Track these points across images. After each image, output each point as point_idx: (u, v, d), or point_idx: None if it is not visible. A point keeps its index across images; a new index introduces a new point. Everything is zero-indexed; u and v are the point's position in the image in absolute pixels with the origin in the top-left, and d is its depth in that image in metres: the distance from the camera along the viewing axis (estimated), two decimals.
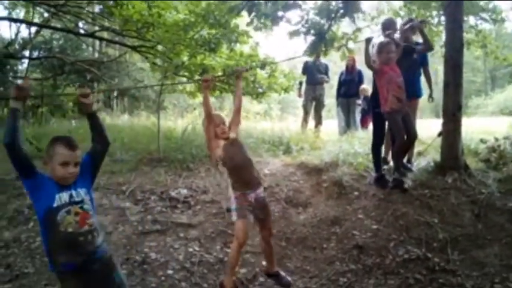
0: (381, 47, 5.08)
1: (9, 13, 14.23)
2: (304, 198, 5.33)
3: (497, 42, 8.72)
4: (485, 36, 8.03)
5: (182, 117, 12.52)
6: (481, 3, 7.87)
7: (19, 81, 14.59)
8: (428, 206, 4.88)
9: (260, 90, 9.45)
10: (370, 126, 8.80)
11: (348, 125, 9.08)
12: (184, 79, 9.13)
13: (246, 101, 12.38)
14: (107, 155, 6.38)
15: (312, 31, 5.96)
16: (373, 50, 5.21)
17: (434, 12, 7.89)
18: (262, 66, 8.62)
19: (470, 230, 4.49)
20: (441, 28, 7.56)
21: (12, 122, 2.40)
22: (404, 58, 5.28)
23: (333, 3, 5.93)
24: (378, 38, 5.42)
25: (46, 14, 13.01)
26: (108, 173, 5.91)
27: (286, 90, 9.58)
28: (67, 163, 2.47)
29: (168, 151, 6.68)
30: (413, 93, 5.64)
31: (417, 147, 5.99)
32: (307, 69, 9.41)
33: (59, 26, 12.80)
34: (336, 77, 10.24)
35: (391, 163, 5.70)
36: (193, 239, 4.55)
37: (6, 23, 16.16)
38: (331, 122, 11.32)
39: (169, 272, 3.99)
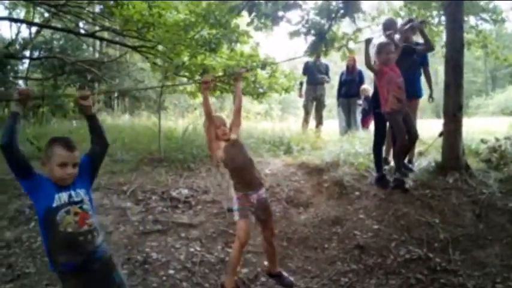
0: (380, 47, 5.10)
1: (10, 13, 14.23)
2: (305, 198, 5.33)
3: (498, 43, 8.71)
4: (486, 37, 8.03)
5: (183, 117, 12.52)
6: (482, 3, 7.87)
7: (20, 82, 14.63)
8: (430, 206, 4.88)
9: (261, 90, 9.46)
10: (371, 126, 8.82)
11: (348, 125, 9.08)
12: (185, 79, 9.13)
13: (246, 101, 12.39)
14: (108, 155, 6.41)
15: (312, 31, 5.96)
16: (373, 51, 5.22)
17: (435, 12, 7.88)
18: (263, 66, 8.62)
19: (472, 230, 4.49)
20: (441, 28, 7.56)
21: (12, 124, 2.41)
22: (405, 58, 5.28)
23: (333, 3, 5.93)
24: (379, 38, 5.43)
25: (46, 14, 13.02)
26: (109, 173, 5.91)
27: (286, 90, 9.58)
28: (65, 164, 2.47)
29: (168, 151, 6.68)
30: (414, 93, 5.64)
31: (418, 148, 5.99)
32: (307, 69, 9.41)
33: (59, 26, 12.81)
34: (336, 77, 10.25)
35: (392, 163, 5.71)
36: (194, 239, 4.56)
37: (6, 23, 16.18)
38: (332, 122, 11.32)
39: (171, 271, 3.99)
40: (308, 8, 5.97)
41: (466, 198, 4.95)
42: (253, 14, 5.98)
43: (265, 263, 4.09)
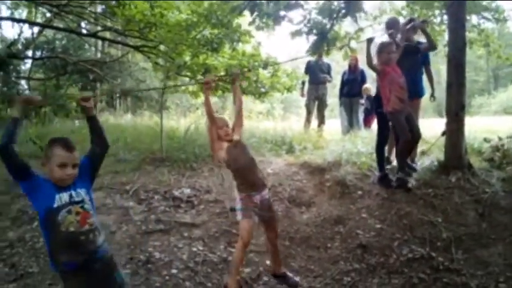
0: (382, 47, 5.10)
1: (12, 13, 14.24)
2: (307, 198, 5.34)
3: (500, 41, 8.69)
4: (488, 36, 8.02)
5: (185, 117, 12.52)
6: (484, 2, 7.86)
7: (23, 82, 14.64)
8: (432, 205, 4.87)
9: (263, 89, 9.45)
10: (373, 125, 8.83)
11: (350, 124, 9.07)
12: (187, 79, 9.13)
13: (248, 100, 12.38)
14: (111, 155, 6.45)
15: (314, 31, 5.96)
16: (374, 50, 5.22)
17: (437, 12, 7.87)
18: (265, 66, 8.62)
19: (474, 229, 4.49)
20: (444, 27, 7.55)
21: (12, 128, 2.44)
22: (407, 58, 5.28)
23: (335, 2, 5.92)
24: (381, 37, 5.42)
25: (48, 14, 13.02)
26: (112, 172, 5.93)
27: (288, 89, 9.57)
28: (65, 164, 2.49)
29: (171, 151, 6.69)
30: (416, 92, 5.64)
31: (420, 147, 5.99)
32: (309, 68, 9.41)
33: (61, 26, 12.81)
34: (338, 77, 10.24)
35: (394, 163, 5.71)
36: (197, 238, 4.56)
37: (9, 23, 16.22)
38: (334, 122, 11.31)
39: (174, 271, 3.99)
40: (310, 8, 5.97)
41: (469, 198, 4.94)
42: (255, 13, 5.97)
43: (268, 262, 4.10)
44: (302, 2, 5.92)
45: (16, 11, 14.44)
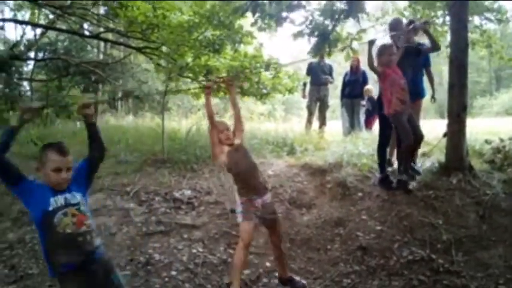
0: (382, 49, 5.10)
1: (15, 15, 14.31)
2: (308, 199, 5.33)
3: (502, 42, 8.66)
4: (490, 36, 7.99)
5: (186, 118, 12.54)
6: (486, 3, 7.84)
7: (25, 83, 14.66)
8: (433, 207, 4.86)
9: (264, 91, 9.44)
10: (375, 127, 8.81)
11: (352, 125, 9.06)
12: (189, 80, 9.14)
13: (250, 101, 12.39)
14: (112, 156, 6.46)
15: (316, 32, 5.95)
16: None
17: (440, 13, 7.86)
18: (267, 67, 8.62)
19: (475, 231, 4.48)
20: (446, 28, 7.54)
21: (5, 137, 2.47)
22: (407, 59, 5.28)
23: (337, 3, 5.92)
24: (384, 38, 5.42)
25: (51, 16, 13.05)
26: (113, 174, 5.93)
27: (290, 91, 9.57)
28: (59, 169, 2.52)
29: (172, 152, 6.69)
30: (417, 94, 5.64)
31: (422, 148, 5.96)
32: (311, 70, 9.40)
33: (64, 27, 12.82)
34: (340, 78, 10.23)
35: (396, 165, 5.70)
36: (197, 240, 4.56)
37: (11, 24, 16.23)
38: (336, 123, 11.30)
39: (173, 273, 4.00)
40: (312, 9, 5.97)
41: (470, 199, 4.93)
42: (257, 14, 5.98)
43: (267, 264, 4.11)
44: (304, 2, 5.93)
45: (19, 13, 14.50)
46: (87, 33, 13.94)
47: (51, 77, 14.95)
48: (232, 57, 8.75)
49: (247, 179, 3.58)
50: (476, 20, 7.99)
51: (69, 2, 10.53)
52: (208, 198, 5.36)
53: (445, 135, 5.60)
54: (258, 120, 12.88)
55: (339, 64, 18.52)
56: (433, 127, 7.09)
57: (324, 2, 5.98)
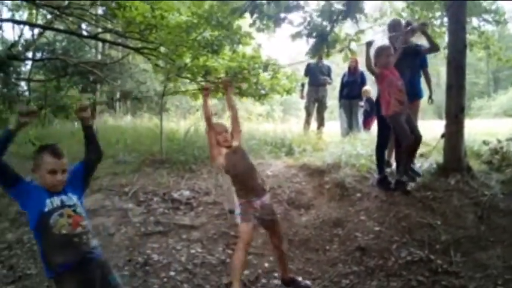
0: (380, 51, 5.12)
1: (13, 15, 14.28)
2: (306, 200, 5.33)
3: (500, 44, 8.70)
4: (488, 38, 8.02)
5: (185, 119, 12.53)
6: (484, 3, 7.86)
7: (23, 84, 14.64)
8: (431, 207, 4.86)
9: (262, 91, 9.42)
10: (373, 127, 8.82)
11: (350, 126, 9.06)
12: (187, 80, 9.12)
13: (248, 102, 12.37)
14: (110, 156, 6.44)
15: (314, 33, 5.96)
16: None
17: (438, 14, 7.88)
18: (265, 68, 8.61)
19: (473, 232, 4.48)
20: (444, 29, 7.55)
21: (3, 140, 2.47)
22: (405, 60, 5.29)
23: (335, 4, 5.93)
24: (383, 39, 5.43)
25: (49, 16, 13.04)
26: (111, 174, 5.93)
27: (288, 91, 9.55)
28: (55, 171, 2.53)
29: (170, 152, 6.69)
30: (414, 94, 5.65)
31: (420, 149, 5.96)
32: (309, 70, 9.41)
33: (62, 27, 12.81)
34: (338, 79, 10.23)
35: (394, 166, 5.71)
36: (195, 240, 4.56)
37: (9, 24, 16.19)
38: (334, 124, 11.30)
39: (172, 273, 4.00)
40: (310, 10, 5.97)
41: (468, 200, 4.93)
42: (255, 15, 5.98)
43: (266, 264, 4.11)
44: (302, 3, 5.93)
45: (17, 13, 14.48)
46: (85, 33, 13.94)
47: (49, 77, 14.94)
48: (230, 58, 8.73)
49: (246, 181, 3.58)
50: (474, 21, 8.02)
51: (67, 2, 10.51)
52: (207, 199, 5.36)
53: (443, 136, 5.61)
54: (256, 120, 12.86)
55: (337, 65, 18.52)
56: (431, 128, 7.10)
57: (322, 2, 5.98)
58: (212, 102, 11.17)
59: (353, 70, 9.20)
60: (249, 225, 3.47)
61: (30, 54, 15.00)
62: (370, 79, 9.10)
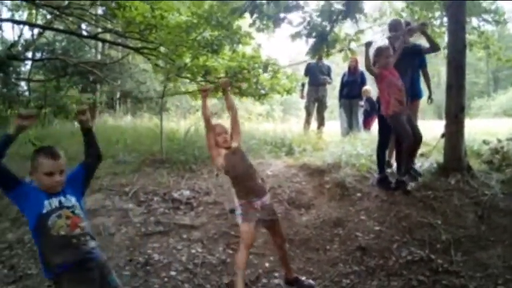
0: (379, 51, 5.13)
1: (12, 15, 14.25)
2: (306, 200, 5.33)
3: (500, 44, 8.70)
4: (488, 38, 8.02)
5: (185, 119, 12.54)
6: (484, 3, 7.87)
7: (23, 84, 14.64)
8: (432, 207, 4.87)
9: (262, 91, 9.44)
10: (373, 127, 8.83)
11: (350, 126, 9.07)
12: (187, 80, 9.13)
13: (248, 102, 12.37)
14: (110, 156, 6.44)
15: (314, 33, 5.96)
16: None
17: (437, 14, 7.88)
18: (265, 68, 8.61)
19: (474, 232, 4.49)
20: (444, 30, 7.56)
21: (2, 144, 2.47)
22: (404, 60, 5.29)
23: (335, 4, 5.93)
24: (382, 39, 5.44)
25: (49, 16, 13.02)
26: (111, 174, 5.93)
27: (288, 91, 9.56)
28: (52, 173, 2.53)
29: (170, 152, 6.69)
30: (414, 94, 5.66)
31: (420, 149, 5.97)
32: (309, 70, 9.41)
33: (61, 27, 12.81)
34: (338, 78, 10.24)
35: (395, 166, 5.71)
36: (196, 240, 4.56)
37: (9, 24, 16.19)
38: (334, 123, 11.31)
39: (172, 273, 4.00)
40: (310, 10, 5.98)
41: (468, 200, 4.94)
42: (255, 15, 5.98)
43: (267, 264, 4.11)
44: (302, 3, 5.93)
45: (17, 13, 14.46)
46: (85, 33, 13.94)
47: (49, 77, 14.92)
48: (230, 58, 8.74)
49: (245, 182, 3.59)
50: (474, 21, 8.03)
51: (66, 2, 10.50)
52: (207, 199, 5.36)
53: (443, 136, 5.62)
54: (256, 120, 12.87)
55: (337, 65, 18.55)
56: (431, 128, 7.11)
57: (322, 2, 5.98)
58: (212, 102, 11.19)
59: (353, 70, 9.20)
60: (250, 225, 3.47)
61: (30, 54, 14.99)
62: (370, 79, 9.10)
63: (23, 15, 14.74)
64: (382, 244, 4.40)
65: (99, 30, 11.99)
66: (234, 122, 3.81)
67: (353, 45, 6.26)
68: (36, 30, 14.43)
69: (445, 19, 7.07)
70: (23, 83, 14.85)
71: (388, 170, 5.69)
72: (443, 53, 6.51)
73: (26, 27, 14.34)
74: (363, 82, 9.31)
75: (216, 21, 7.36)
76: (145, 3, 8.23)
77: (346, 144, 6.98)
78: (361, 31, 6.47)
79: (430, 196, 5.03)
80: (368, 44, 5.28)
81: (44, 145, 2.72)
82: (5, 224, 4.84)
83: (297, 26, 5.98)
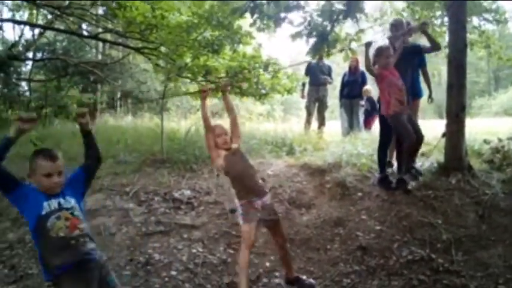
0: (380, 51, 5.12)
1: (13, 15, 14.29)
2: (307, 199, 5.33)
3: (501, 43, 8.69)
4: (489, 37, 8.01)
5: (185, 119, 12.55)
6: (484, 3, 7.86)
7: (24, 84, 14.65)
8: (432, 206, 4.87)
9: (263, 91, 9.45)
10: (373, 127, 8.82)
11: (351, 126, 9.07)
12: (188, 80, 9.13)
13: (249, 102, 12.36)
14: (111, 156, 6.44)
15: (315, 33, 5.96)
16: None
17: (438, 13, 7.87)
18: (265, 67, 8.62)
19: (474, 231, 4.48)
20: (444, 29, 7.55)
21: (2, 146, 2.47)
22: (404, 60, 5.29)
23: (336, 4, 5.93)
24: (383, 39, 5.44)
25: (50, 16, 13.05)
26: (112, 174, 5.93)
27: (289, 91, 9.57)
28: (50, 174, 2.54)
29: (171, 152, 6.69)
30: (414, 94, 5.67)
31: (421, 148, 5.97)
32: (310, 70, 9.41)
33: (62, 27, 12.83)
34: (339, 78, 10.23)
35: (395, 166, 5.71)
36: (196, 240, 4.56)
37: (10, 24, 16.20)
38: (334, 123, 11.31)
39: (173, 273, 3.99)
40: (310, 10, 5.98)
41: (469, 199, 4.94)
42: (256, 15, 5.98)
43: (267, 264, 4.11)
44: (302, 3, 5.93)
45: (17, 13, 14.48)
46: (85, 33, 13.94)
47: (50, 77, 14.94)
48: (231, 58, 8.74)
49: (245, 182, 3.59)
50: (474, 20, 8.02)
51: (67, 2, 10.52)
52: (208, 198, 5.36)
53: (444, 135, 5.61)
54: (257, 120, 12.88)
55: (338, 64, 18.54)
56: (431, 127, 7.10)
57: (322, 2, 5.98)
58: (213, 102, 11.19)
59: (354, 69, 9.19)
60: (251, 225, 3.47)
61: (30, 55, 15.03)
62: (370, 78, 9.07)
63: (23, 15, 14.79)
64: (382, 244, 4.40)
65: (100, 30, 12.01)
66: (234, 125, 3.81)
67: (354, 45, 6.26)
68: (37, 30, 14.47)
69: (446, 18, 7.07)
70: (23, 83, 14.89)
71: (389, 170, 5.68)
72: (444, 52, 6.51)
73: (27, 28, 14.37)
74: (364, 82, 9.30)
75: (216, 21, 7.36)
76: (146, 3, 8.23)
77: (347, 143, 6.98)
78: (362, 31, 6.48)
79: (431, 195, 5.02)
80: (368, 44, 5.28)
81: (42, 148, 2.73)
82: (6, 224, 4.84)
83: (297, 26, 5.98)
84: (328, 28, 5.94)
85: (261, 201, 3.56)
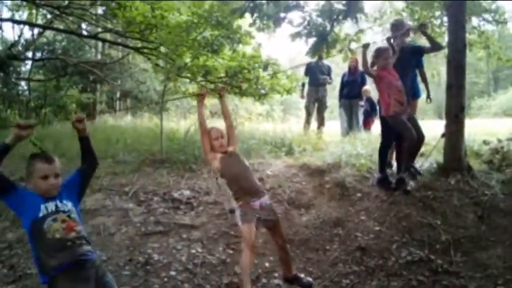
0: (379, 52, 5.13)
1: (13, 15, 14.27)
2: (306, 200, 5.33)
3: (500, 43, 8.70)
4: (488, 37, 8.02)
5: (185, 119, 12.55)
6: (484, 3, 7.86)
7: (23, 83, 14.65)
8: (431, 207, 4.87)
9: (262, 91, 9.42)
10: (373, 127, 8.82)
11: (350, 126, 9.07)
12: (187, 80, 9.12)
13: (248, 102, 12.36)
14: (110, 156, 6.43)
15: (314, 33, 5.96)
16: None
17: (437, 13, 7.87)
18: (265, 67, 8.61)
19: (473, 232, 4.49)
20: (444, 29, 7.55)
21: (0, 153, 2.47)
22: (402, 60, 5.29)
23: (335, 4, 5.93)
24: (383, 39, 5.44)
25: (49, 16, 13.03)
26: (111, 174, 5.93)
27: (288, 91, 9.54)
28: (47, 176, 2.55)
29: (170, 152, 6.69)
30: (412, 94, 5.67)
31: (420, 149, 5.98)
32: (309, 70, 9.41)
33: (62, 27, 12.82)
34: (338, 78, 10.24)
35: (395, 167, 5.71)
36: (195, 240, 4.56)
37: (9, 24, 16.22)
38: (334, 123, 11.31)
39: (172, 273, 3.99)
40: (310, 10, 5.98)
41: (468, 200, 4.94)
42: (255, 15, 5.98)
43: (267, 264, 4.10)
44: (302, 3, 5.93)
45: (17, 13, 14.47)
46: (85, 33, 13.93)
47: (49, 77, 14.94)
48: (230, 58, 8.72)
49: (242, 182, 3.59)
50: (474, 21, 8.02)
51: (67, 2, 10.51)
52: (207, 199, 5.36)
53: (443, 135, 5.61)
54: (256, 120, 12.88)
55: (337, 64, 18.53)
56: (431, 128, 7.09)
57: (322, 2, 5.98)
58: (213, 101, 11.18)
59: (353, 70, 9.20)
60: (251, 226, 3.47)
61: (30, 54, 15.00)
62: (370, 79, 9.12)
63: (23, 15, 14.76)
64: (381, 244, 4.40)
65: (99, 30, 11.99)
66: (231, 131, 3.83)
67: (353, 45, 6.26)
68: (36, 30, 14.46)
69: (445, 19, 7.07)
70: (23, 83, 14.89)
71: (388, 171, 5.68)
72: (443, 52, 6.51)
73: (26, 27, 14.36)
74: (363, 82, 9.31)
75: (216, 21, 7.35)
76: (145, 3, 8.22)
77: (346, 144, 6.98)
78: (362, 31, 6.48)
79: (430, 196, 5.03)
80: (365, 46, 5.28)
81: (38, 152, 2.73)
82: (5, 224, 4.83)
83: (297, 26, 5.98)
84: (328, 28, 5.94)
85: (259, 202, 3.56)
